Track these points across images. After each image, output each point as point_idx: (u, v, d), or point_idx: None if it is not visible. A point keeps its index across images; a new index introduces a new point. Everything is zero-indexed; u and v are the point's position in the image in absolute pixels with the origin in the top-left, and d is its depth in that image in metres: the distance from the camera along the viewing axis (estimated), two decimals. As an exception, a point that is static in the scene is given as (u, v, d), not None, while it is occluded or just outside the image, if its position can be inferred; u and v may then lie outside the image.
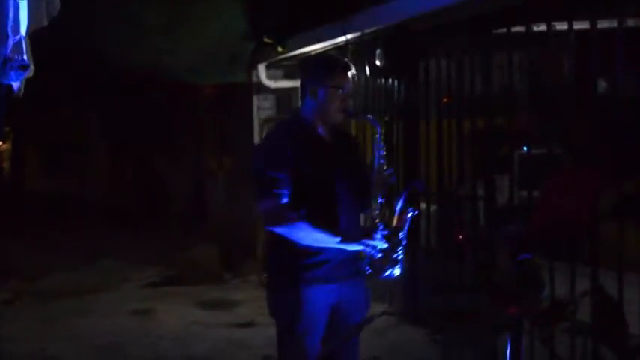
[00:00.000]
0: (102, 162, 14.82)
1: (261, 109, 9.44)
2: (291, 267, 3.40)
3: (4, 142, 13.96)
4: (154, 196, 13.43)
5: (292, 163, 3.35)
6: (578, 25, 4.75)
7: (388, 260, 3.40)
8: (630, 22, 4.61)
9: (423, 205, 6.40)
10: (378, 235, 3.39)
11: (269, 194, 3.34)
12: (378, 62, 6.53)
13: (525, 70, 5.99)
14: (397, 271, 3.41)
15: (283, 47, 8.11)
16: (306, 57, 7.67)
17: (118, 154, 14.85)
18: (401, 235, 3.42)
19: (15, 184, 14.55)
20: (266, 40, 8.24)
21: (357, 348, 3.64)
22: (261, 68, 8.97)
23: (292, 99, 9.15)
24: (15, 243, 9.91)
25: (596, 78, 4.80)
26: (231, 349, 6.18)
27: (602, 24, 4.70)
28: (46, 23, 3.59)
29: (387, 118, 6.67)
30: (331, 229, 3.36)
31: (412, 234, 3.57)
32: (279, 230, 3.36)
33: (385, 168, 3.49)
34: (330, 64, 3.53)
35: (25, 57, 3.46)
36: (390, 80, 6.71)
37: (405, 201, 3.43)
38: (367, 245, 3.39)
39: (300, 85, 3.55)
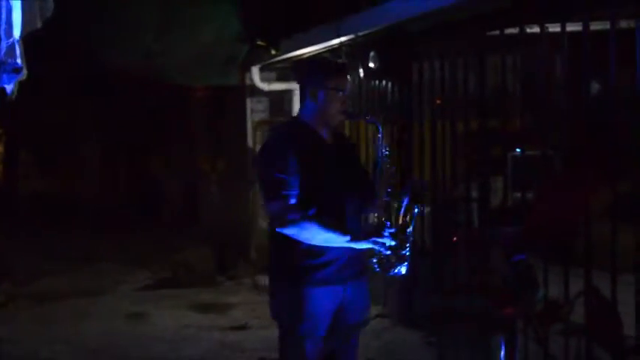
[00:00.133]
0: (95, 164, 14.81)
1: (255, 111, 9.44)
2: (294, 268, 3.39)
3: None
4: (148, 198, 13.43)
5: (298, 165, 3.35)
6: (571, 27, 4.76)
7: (396, 257, 3.40)
8: (623, 24, 4.61)
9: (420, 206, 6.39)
10: (386, 233, 3.37)
11: (277, 196, 3.33)
12: (371, 64, 6.52)
13: (518, 72, 6.00)
14: (404, 269, 3.41)
15: (277, 50, 8.10)
16: (301, 60, 7.67)
17: (111, 156, 14.85)
18: (408, 231, 3.41)
19: (8, 186, 14.51)
20: (259, 42, 8.23)
21: (356, 350, 3.63)
22: (255, 71, 8.96)
23: (285, 101, 9.15)
24: (8, 245, 9.88)
25: (589, 80, 4.81)
26: (225, 351, 6.17)
27: (595, 26, 4.71)
28: (39, 26, 3.57)
29: (380, 120, 6.65)
30: (340, 228, 3.35)
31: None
32: (288, 231, 3.34)
33: (389, 166, 3.49)
34: (328, 66, 3.53)
35: (18, 60, 3.45)
36: (384, 82, 6.72)
37: (409, 198, 3.43)
38: (376, 243, 3.37)
39: (300, 88, 3.56)
